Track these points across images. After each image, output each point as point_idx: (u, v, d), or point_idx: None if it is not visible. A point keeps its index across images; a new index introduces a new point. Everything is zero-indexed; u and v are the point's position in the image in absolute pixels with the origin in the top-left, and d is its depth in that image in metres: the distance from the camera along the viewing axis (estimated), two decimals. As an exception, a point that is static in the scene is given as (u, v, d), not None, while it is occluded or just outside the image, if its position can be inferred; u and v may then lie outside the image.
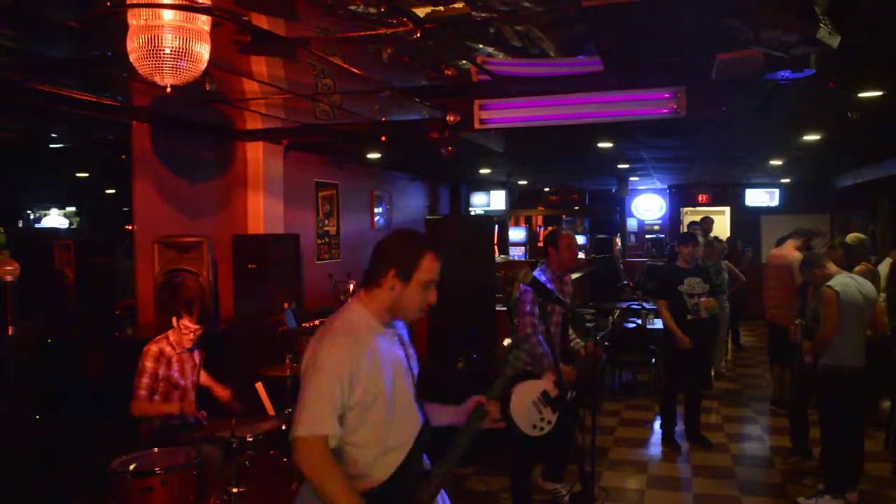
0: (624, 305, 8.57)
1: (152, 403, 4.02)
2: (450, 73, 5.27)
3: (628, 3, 3.76)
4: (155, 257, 5.59)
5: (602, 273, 11.05)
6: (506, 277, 7.55)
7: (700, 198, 14.62)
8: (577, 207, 15.58)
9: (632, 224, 15.26)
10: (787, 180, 13.65)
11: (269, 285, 6.40)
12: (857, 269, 5.37)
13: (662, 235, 14.84)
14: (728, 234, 13.17)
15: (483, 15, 3.99)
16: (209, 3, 3.37)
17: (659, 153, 9.67)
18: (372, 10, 3.91)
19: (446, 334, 5.98)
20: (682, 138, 8.12)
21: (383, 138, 6.99)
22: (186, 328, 4.18)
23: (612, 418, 6.86)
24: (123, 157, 5.83)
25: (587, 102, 5.72)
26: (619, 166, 11.46)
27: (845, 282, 4.59)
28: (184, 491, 3.33)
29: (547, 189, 15.50)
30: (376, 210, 10.31)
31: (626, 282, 11.20)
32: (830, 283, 4.60)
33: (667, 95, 5.44)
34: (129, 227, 5.92)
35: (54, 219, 11.01)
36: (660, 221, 15.11)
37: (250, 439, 3.55)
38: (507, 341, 2.39)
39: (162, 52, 3.17)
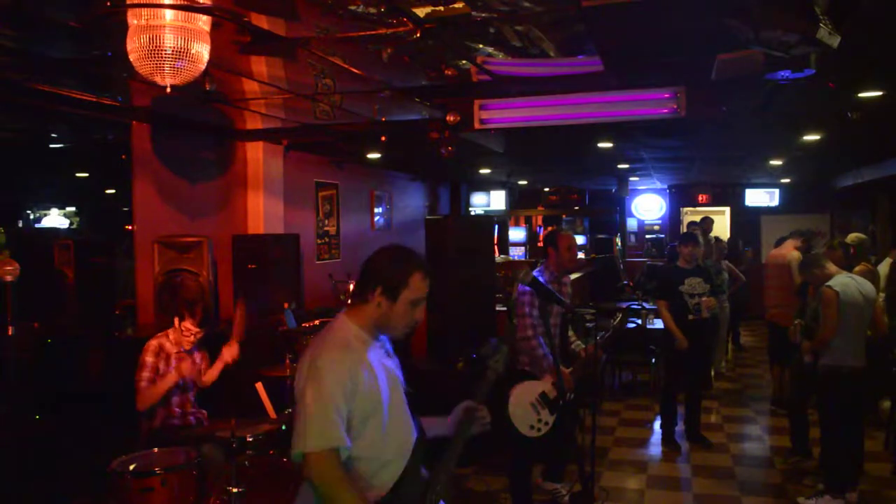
0: (624, 305, 8.56)
1: (153, 386, 3.99)
2: (450, 73, 5.27)
3: (628, 3, 3.76)
4: (155, 257, 5.60)
5: (602, 273, 11.05)
6: (506, 277, 7.54)
7: (700, 198, 14.60)
8: (577, 207, 15.57)
9: (632, 224, 15.25)
10: (787, 180, 13.64)
11: (269, 285, 6.40)
12: (857, 269, 5.38)
13: (662, 235, 14.83)
14: (728, 234, 13.17)
15: (483, 15, 3.99)
16: (209, 3, 3.38)
17: (659, 153, 9.67)
18: (372, 10, 3.91)
19: (446, 334, 5.98)
20: (682, 138, 8.11)
21: (383, 138, 6.98)
22: (187, 330, 4.18)
23: (612, 418, 6.87)
24: (123, 157, 5.83)
25: (587, 102, 5.72)
26: (619, 166, 11.45)
27: (845, 282, 4.60)
28: (184, 491, 3.32)
29: (547, 189, 15.49)
30: (376, 210, 10.31)
31: (626, 282, 11.20)
32: (830, 283, 4.60)
33: (667, 95, 5.45)
34: (129, 227, 5.92)
35: (54, 219, 10.97)
36: (660, 221, 15.10)
37: (250, 439, 3.55)
38: (484, 348, 2.37)
39: (162, 52, 3.18)
